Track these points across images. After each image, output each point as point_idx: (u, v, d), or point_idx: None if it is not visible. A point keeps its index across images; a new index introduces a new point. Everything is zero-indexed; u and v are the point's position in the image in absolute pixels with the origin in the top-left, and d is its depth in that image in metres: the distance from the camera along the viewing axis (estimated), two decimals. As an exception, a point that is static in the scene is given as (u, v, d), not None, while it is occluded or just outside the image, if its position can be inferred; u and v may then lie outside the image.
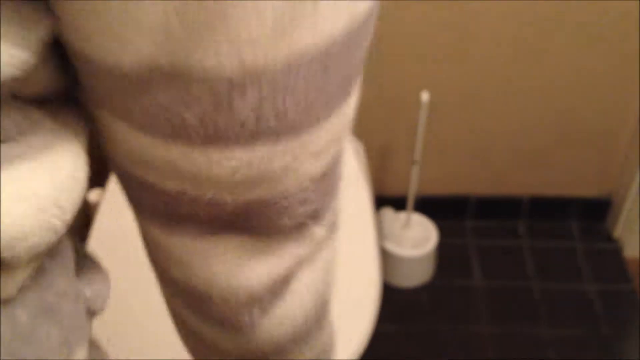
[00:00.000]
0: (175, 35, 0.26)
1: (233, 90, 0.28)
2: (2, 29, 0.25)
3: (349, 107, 0.33)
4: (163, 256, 0.37)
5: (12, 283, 0.31)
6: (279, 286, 0.38)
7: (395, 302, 1.64)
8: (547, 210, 1.79)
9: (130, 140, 0.31)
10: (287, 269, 0.37)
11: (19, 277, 0.31)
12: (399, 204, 1.72)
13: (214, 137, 0.29)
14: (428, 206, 1.76)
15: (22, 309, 0.32)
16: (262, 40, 0.26)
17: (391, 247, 1.62)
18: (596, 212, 1.79)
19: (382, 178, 1.74)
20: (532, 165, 1.72)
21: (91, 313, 0.39)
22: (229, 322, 0.39)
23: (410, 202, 1.61)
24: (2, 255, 0.28)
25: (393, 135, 1.65)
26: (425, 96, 1.43)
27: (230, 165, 0.30)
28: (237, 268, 0.36)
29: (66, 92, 0.32)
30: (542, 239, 1.77)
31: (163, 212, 0.35)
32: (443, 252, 1.72)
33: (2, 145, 0.28)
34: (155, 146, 0.30)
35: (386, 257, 1.63)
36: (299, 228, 0.36)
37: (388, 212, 1.68)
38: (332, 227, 0.39)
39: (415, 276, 1.67)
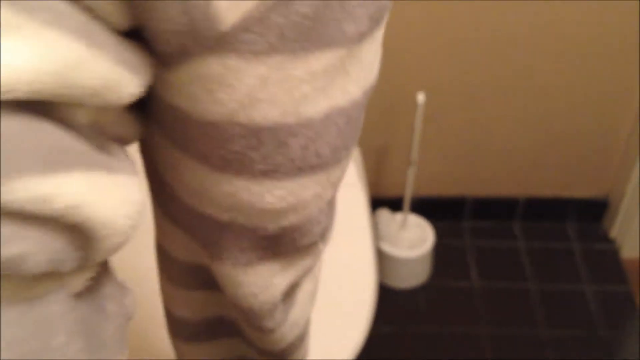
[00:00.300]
0: (256, 97, 0.34)
1: (290, 135, 0.36)
2: (125, 56, 0.32)
3: (354, 148, 0.42)
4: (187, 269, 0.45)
5: (82, 280, 0.37)
6: (290, 294, 0.46)
7: (391, 303, 1.64)
8: (544, 211, 1.79)
9: (197, 174, 0.38)
10: (297, 279, 0.46)
11: (87, 275, 0.37)
12: (395, 205, 1.71)
13: (271, 171, 0.37)
14: (424, 207, 1.75)
15: (82, 303, 0.37)
16: (311, 97, 0.35)
17: (387, 248, 1.62)
18: (593, 212, 1.79)
19: (378, 179, 1.74)
20: (528, 166, 1.71)
21: (128, 318, 0.44)
22: (253, 324, 0.46)
23: (407, 203, 1.61)
24: (97, 245, 0.34)
25: (389, 136, 1.65)
26: (421, 97, 1.42)
27: (278, 194, 0.38)
28: (262, 286, 0.43)
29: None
30: (539, 239, 1.77)
31: (206, 240, 0.42)
32: (440, 253, 1.72)
33: (106, 155, 0.34)
34: (222, 180, 0.38)
35: (382, 259, 1.63)
36: (311, 246, 0.44)
37: (384, 213, 1.67)
38: (328, 241, 0.47)
39: (412, 277, 1.67)
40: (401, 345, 1.57)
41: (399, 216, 1.67)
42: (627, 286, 1.68)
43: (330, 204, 0.43)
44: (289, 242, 0.42)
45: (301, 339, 0.52)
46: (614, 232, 1.76)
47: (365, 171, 1.70)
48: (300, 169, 0.38)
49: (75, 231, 0.32)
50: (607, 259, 1.73)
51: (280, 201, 0.39)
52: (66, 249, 0.33)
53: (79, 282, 0.36)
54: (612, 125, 1.64)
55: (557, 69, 1.54)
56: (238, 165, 0.37)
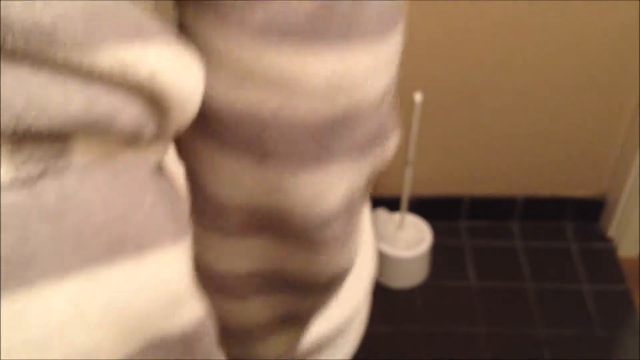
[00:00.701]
0: None
1: None
2: None
3: (399, 38, 0.41)
4: (244, 184, 0.44)
5: (157, 153, 0.39)
6: (349, 209, 0.45)
7: (389, 303, 1.64)
8: (542, 211, 1.79)
9: (236, 49, 0.38)
10: (352, 193, 0.45)
11: (160, 149, 0.39)
12: (393, 204, 1.71)
13: (318, 34, 0.37)
14: (422, 207, 1.75)
15: (156, 176, 0.39)
16: None
17: (385, 248, 1.62)
18: (590, 212, 1.79)
19: (375, 179, 1.73)
20: (526, 165, 1.71)
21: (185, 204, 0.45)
22: (305, 238, 0.45)
23: (404, 203, 1.61)
24: (169, 116, 0.36)
25: (387, 136, 1.65)
26: (418, 97, 1.42)
27: (326, 65, 0.37)
28: (315, 192, 0.42)
29: None
30: (537, 239, 1.77)
31: (250, 145, 0.41)
32: (437, 252, 1.72)
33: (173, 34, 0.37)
34: (265, 50, 0.37)
35: (380, 258, 1.63)
36: (368, 147, 0.43)
37: (382, 213, 1.67)
38: (378, 164, 0.46)
39: (410, 277, 1.67)
40: (398, 345, 1.57)
41: (396, 216, 1.67)
42: (624, 285, 1.68)
43: (382, 104, 0.42)
44: (337, 140, 0.41)
45: (344, 274, 0.50)
46: (612, 231, 1.76)
47: (363, 171, 1.70)
48: (348, 35, 0.37)
49: (152, 99, 0.36)
50: (605, 258, 1.73)
51: (328, 77, 0.38)
52: (146, 113, 0.36)
53: (155, 155, 0.39)
54: (610, 124, 1.64)
55: (555, 68, 1.54)
56: (284, 27, 0.36)
